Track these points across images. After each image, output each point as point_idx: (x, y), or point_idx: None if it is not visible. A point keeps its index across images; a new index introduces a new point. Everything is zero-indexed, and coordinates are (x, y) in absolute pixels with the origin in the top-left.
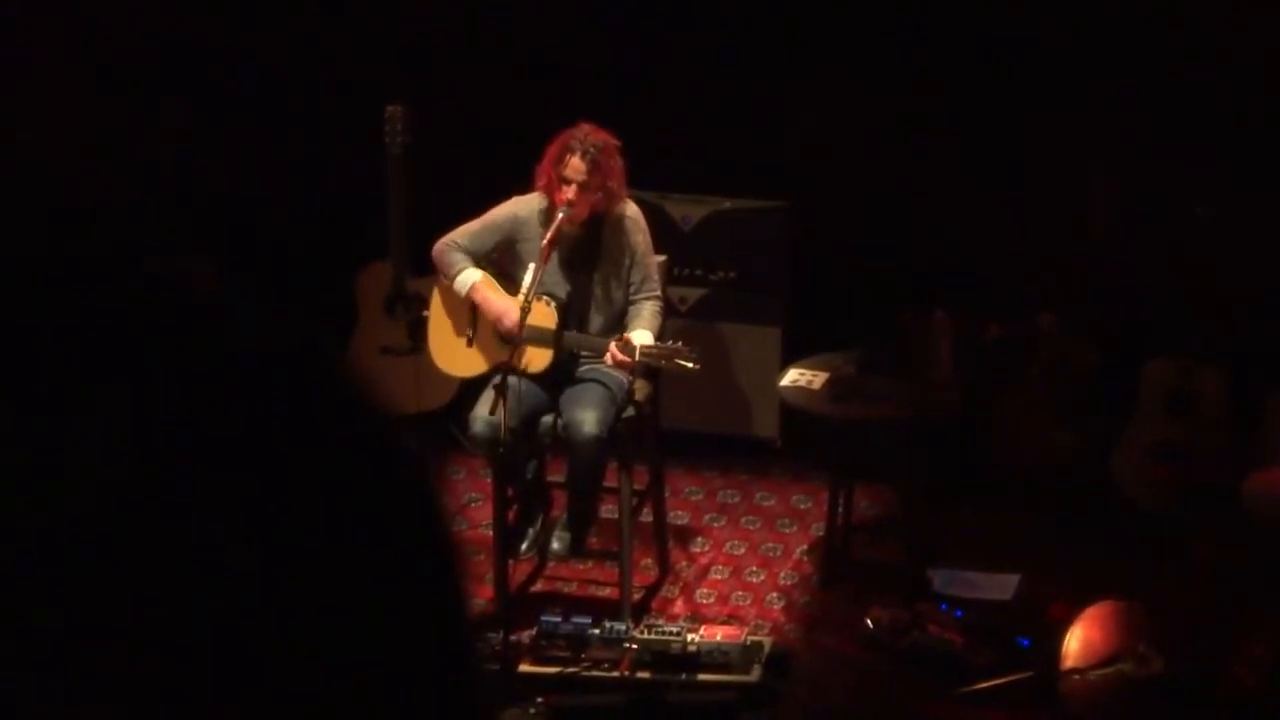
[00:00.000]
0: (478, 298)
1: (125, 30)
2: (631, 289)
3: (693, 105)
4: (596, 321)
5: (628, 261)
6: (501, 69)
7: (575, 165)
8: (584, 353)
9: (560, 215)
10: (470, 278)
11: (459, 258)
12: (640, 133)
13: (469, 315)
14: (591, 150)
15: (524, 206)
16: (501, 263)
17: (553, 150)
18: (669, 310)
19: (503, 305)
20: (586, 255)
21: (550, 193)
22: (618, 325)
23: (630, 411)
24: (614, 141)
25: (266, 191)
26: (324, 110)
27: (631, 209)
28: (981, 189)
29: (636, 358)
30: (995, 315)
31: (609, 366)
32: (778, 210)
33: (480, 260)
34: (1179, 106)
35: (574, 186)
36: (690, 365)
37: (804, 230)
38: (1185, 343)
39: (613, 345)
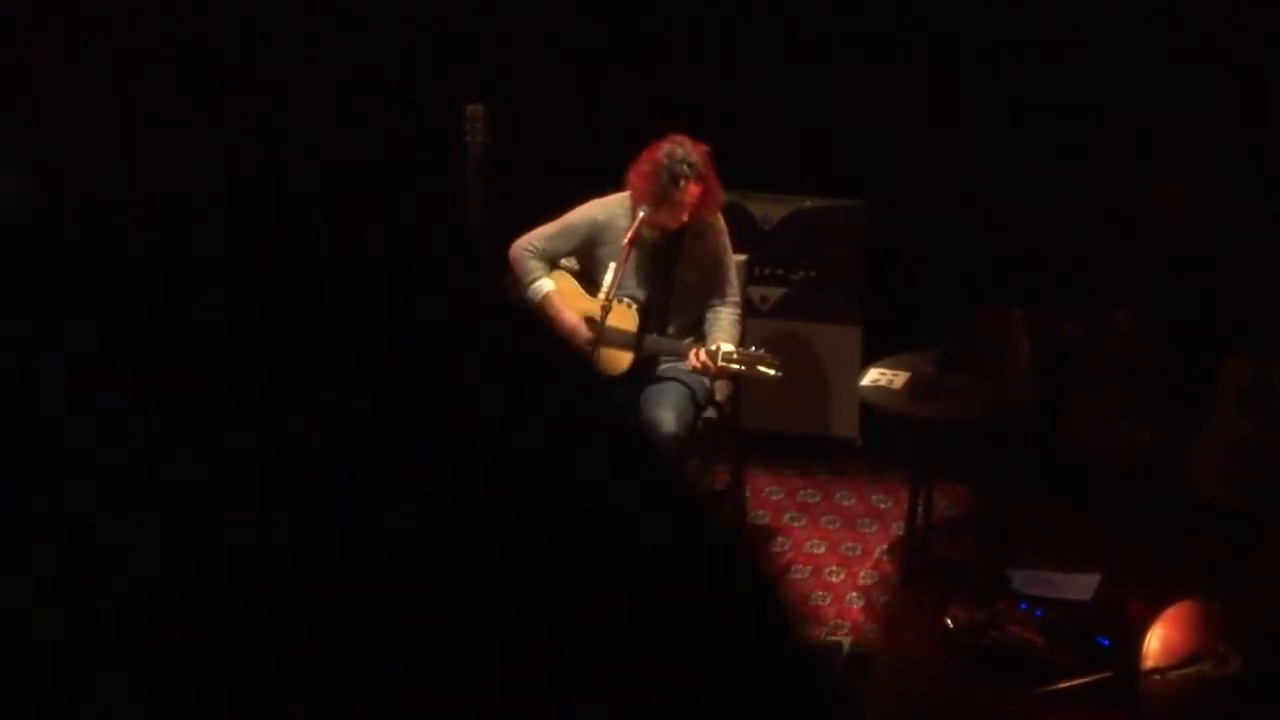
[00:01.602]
0: (550, 310)
1: (205, 31)
2: (711, 293)
3: (773, 104)
4: (676, 322)
5: (710, 264)
6: (579, 68)
7: (692, 191)
8: (665, 356)
9: (640, 214)
10: (544, 287)
11: (534, 265)
12: (721, 132)
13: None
14: (701, 170)
15: (604, 210)
16: (583, 265)
17: (655, 170)
18: (749, 310)
19: (572, 322)
20: (669, 257)
21: (643, 200)
22: (697, 327)
23: (711, 412)
24: (705, 148)
25: (341, 191)
26: (402, 110)
27: (717, 215)
28: (1058, 186)
29: (719, 363)
30: (1071, 313)
31: (690, 371)
32: (857, 209)
33: (556, 264)
34: (1250, 100)
35: (688, 209)
36: (772, 373)
37: (883, 229)
38: (1261, 339)
39: (697, 351)
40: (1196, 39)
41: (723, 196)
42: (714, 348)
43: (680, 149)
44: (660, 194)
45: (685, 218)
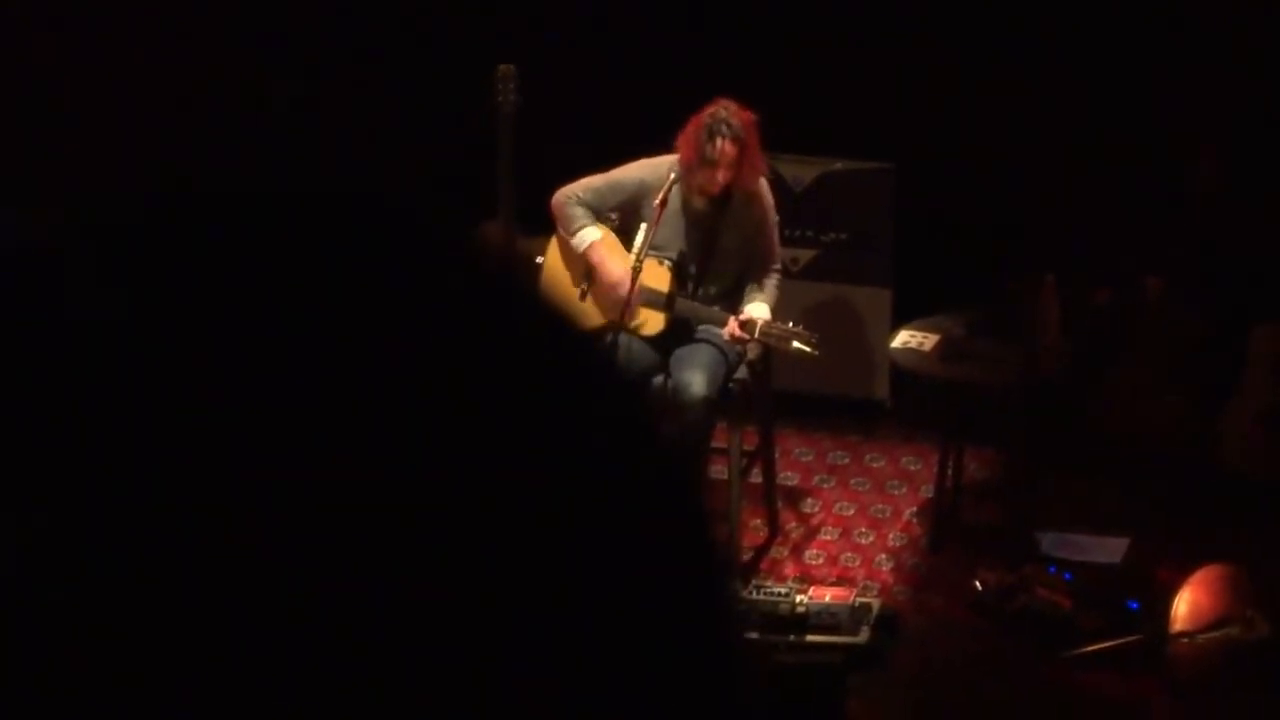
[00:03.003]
0: (595, 259)
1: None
2: (753, 261)
3: (804, 65)
4: (712, 289)
5: (752, 233)
6: (611, 33)
7: (727, 150)
8: (700, 324)
9: (671, 177)
10: (590, 235)
11: (580, 212)
12: (753, 93)
13: (584, 270)
14: (740, 133)
15: (653, 172)
16: (624, 222)
17: (697, 130)
18: (781, 271)
19: (619, 274)
20: (714, 223)
21: (691, 171)
22: (735, 295)
23: (742, 373)
24: (753, 117)
25: (374, 152)
26: (432, 70)
27: (762, 183)
28: (1090, 153)
29: (756, 335)
30: (1103, 280)
31: (727, 339)
32: (888, 172)
33: (600, 217)
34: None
35: (723, 169)
36: (809, 350)
37: (915, 192)
38: None
39: (732, 321)
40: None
41: (764, 167)
42: (751, 319)
43: (724, 110)
44: (698, 153)
45: (720, 177)
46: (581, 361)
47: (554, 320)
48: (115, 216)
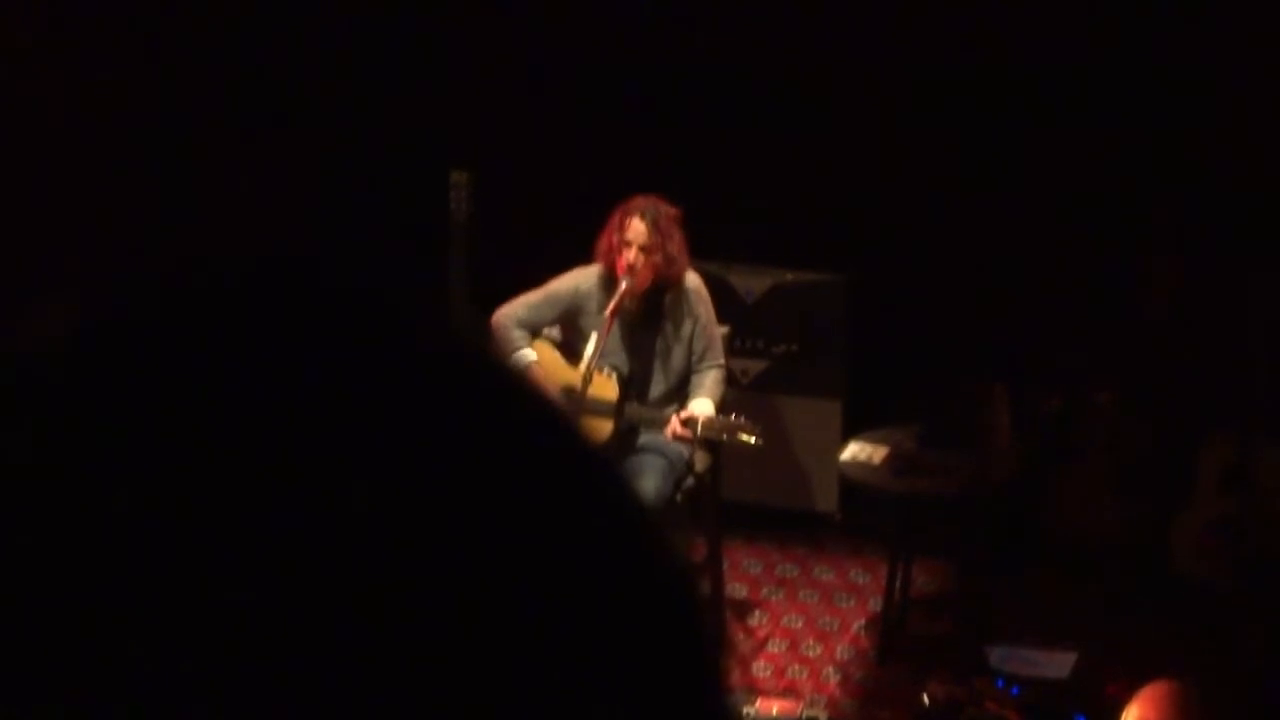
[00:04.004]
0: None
1: (192, 90)
2: (694, 358)
3: (755, 177)
4: (657, 390)
5: (690, 330)
6: (563, 140)
7: (636, 227)
8: (645, 425)
9: (624, 285)
10: (525, 358)
11: (516, 335)
12: (703, 204)
13: None
14: (652, 213)
15: (585, 278)
16: (564, 334)
17: (613, 218)
18: (730, 382)
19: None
20: (648, 325)
21: (611, 261)
22: (679, 394)
23: (690, 482)
24: (674, 210)
25: (324, 256)
26: (384, 176)
27: (693, 278)
28: (1040, 264)
29: (698, 432)
30: (1053, 389)
31: (669, 440)
32: (838, 283)
33: (538, 333)
34: (1235, 184)
35: (635, 249)
36: (751, 440)
37: (864, 304)
38: (1242, 419)
39: (674, 419)
40: (1188, 120)
41: (684, 257)
42: (692, 415)
43: (640, 198)
44: (614, 238)
45: (631, 257)
46: (582, 463)
47: (552, 415)
48: (75, 322)
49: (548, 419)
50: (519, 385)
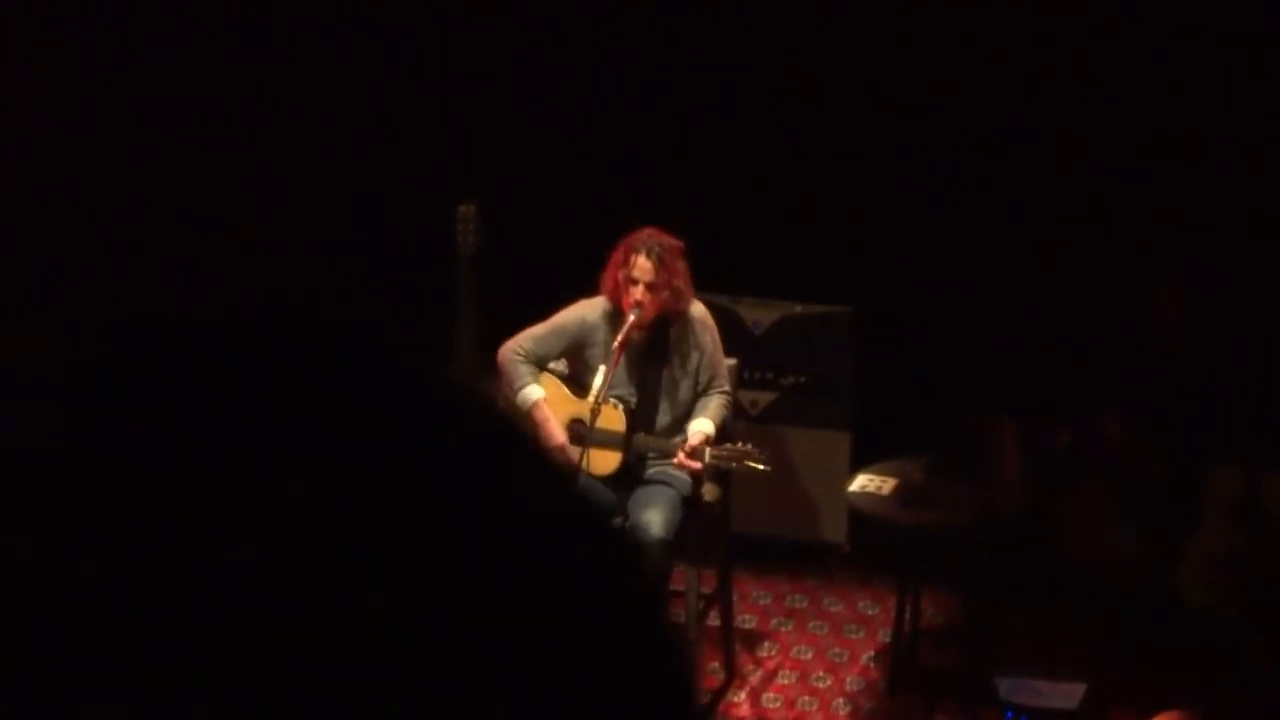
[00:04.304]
0: (538, 418)
1: (199, 122)
2: (700, 387)
3: (764, 210)
4: (664, 421)
5: (696, 361)
6: (570, 173)
7: (642, 265)
8: (652, 455)
9: (631, 318)
10: (533, 394)
11: (523, 370)
12: (712, 236)
13: (529, 428)
14: (657, 249)
15: (591, 311)
16: (570, 366)
17: (618, 254)
18: (739, 413)
19: (558, 438)
20: (654, 356)
21: (617, 296)
22: (686, 424)
23: (699, 515)
24: (677, 243)
25: (331, 289)
26: (391, 209)
27: (698, 309)
28: (1047, 295)
29: (706, 460)
30: (1061, 420)
31: (677, 470)
32: (847, 315)
33: (544, 366)
34: (1247, 211)
35: (641, 286)
36: (760, 467)
37: (873, 336)
38: (1251, 451)
39: (681, 450)
40: (1192, 151)
41: (689, 289)
42: (697, 446)
43: (644, 233)
44: (619, 274)
45: (638, 295)
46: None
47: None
48: (80, 353)
49: (528, 458)
50: (493, 419)
